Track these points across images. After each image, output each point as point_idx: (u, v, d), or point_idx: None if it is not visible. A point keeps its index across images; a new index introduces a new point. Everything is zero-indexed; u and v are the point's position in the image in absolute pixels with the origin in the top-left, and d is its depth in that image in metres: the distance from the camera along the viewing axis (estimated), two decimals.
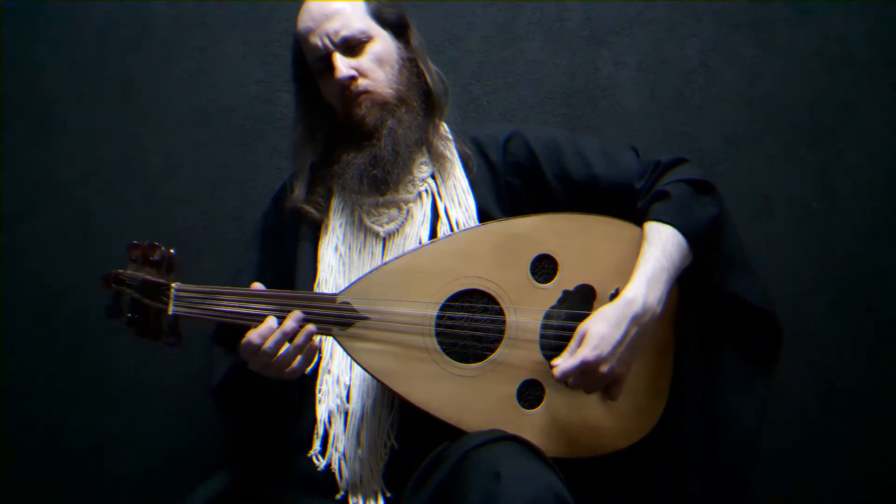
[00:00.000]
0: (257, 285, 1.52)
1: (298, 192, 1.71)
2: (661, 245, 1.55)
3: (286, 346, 1.47)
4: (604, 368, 1.47)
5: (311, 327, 1.48)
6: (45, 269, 2.13)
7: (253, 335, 1.46)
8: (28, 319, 2.13)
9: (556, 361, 1.48)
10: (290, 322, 1.47)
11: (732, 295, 1.62)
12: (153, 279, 1.51)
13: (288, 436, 1.61)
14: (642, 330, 1.50)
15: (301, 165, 1.73)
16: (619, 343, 1.47)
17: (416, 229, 1.65)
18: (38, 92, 2.15)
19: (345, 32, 1.64)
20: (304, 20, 1.67)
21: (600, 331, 1.47)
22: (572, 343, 1.49)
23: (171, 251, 1.53)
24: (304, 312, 1.50)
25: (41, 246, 2.14)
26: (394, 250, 1.64)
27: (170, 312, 1.49)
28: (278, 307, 1.50)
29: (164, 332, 1.51)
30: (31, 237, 2.14)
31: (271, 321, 1.47)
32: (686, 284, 1.61)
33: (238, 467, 1.61)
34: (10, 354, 2.13)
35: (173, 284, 1.50)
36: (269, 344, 1.45)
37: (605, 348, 1.46)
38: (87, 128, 2.16)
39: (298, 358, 1.48)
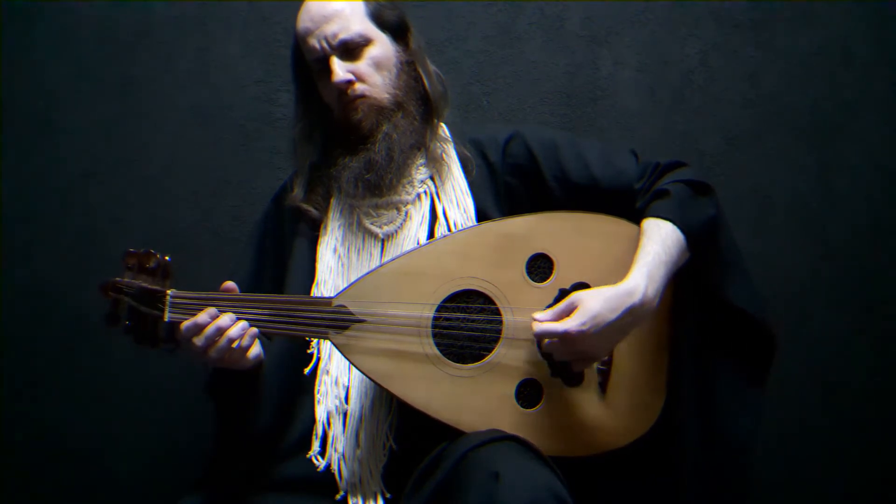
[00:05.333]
0: (229, 284, 1.53)
1: (298, 191, 1.71)
2: (660, 240, 1.54)
3: (224, 337, 1.47)
4: (581, 345, 1.46)
5: (244, 322, 1.49)
6: (44, 270, 2.14)
7: (196, 319, 1.47)
8: (27, 319, 2.13)
9: (538, 315, 1.48)
10: (224, 317, 1.48)
11: (727, 301, 1.62)
12: (149, 287, 1.51)
13: (280, 436, 1.61)
14: (635, 320, 1.50)
15: (301, 164, 1.73)
16: (608, 327, 1.46)
17: (415, 231, 1.65)
18: (38, 92, 2.16)
19: (343, 35, 1.63)
20: (304, 20, 1.66)
21: (593, 308, 1.46)
22: (560, 305, 1.48)
23: (167, 258, 1.53)
24: (300, 316, 1.51)
25: (41, 246, 2.14)
26: (392, 252, 1.64)
27: (166, 319, 1.50)
28: (273, 311, 1.51)
29: (161, 339, 1.52)
30: (31, 237, 2.14)
31: (211, 310, 1.48)
32: (684, 284, 1.61)
33: (215, 480, 1.61)
34: (9, 354, 2.13)
35: (168, 291, 1.50)
36: (208, 330, 1.46)
37: (593, 328, 1.45)
38: (87, 128, 2.16)
39: (234, 344, 1.47)
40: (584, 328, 1.45)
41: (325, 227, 1.69)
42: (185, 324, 1.47)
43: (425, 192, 1.68)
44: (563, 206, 1.66)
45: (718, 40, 2.18)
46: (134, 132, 2.16)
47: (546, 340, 1.48)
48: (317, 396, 1.60)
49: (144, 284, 1.51)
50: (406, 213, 1.66)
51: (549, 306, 1.55)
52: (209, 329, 1.46)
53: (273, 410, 1.60)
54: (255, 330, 1.50)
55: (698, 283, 1.62)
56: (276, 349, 1.62)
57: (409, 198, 1.67)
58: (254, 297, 1.53)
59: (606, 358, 1.57)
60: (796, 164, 2.17)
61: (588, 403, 1.56)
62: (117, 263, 1.55)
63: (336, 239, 1.67)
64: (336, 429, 1.58)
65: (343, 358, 1.57)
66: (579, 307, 1.47)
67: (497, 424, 1.50)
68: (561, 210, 1.63)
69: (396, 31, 1.70)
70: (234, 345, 1.47)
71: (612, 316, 1.47)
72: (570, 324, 1.46)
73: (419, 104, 1.69)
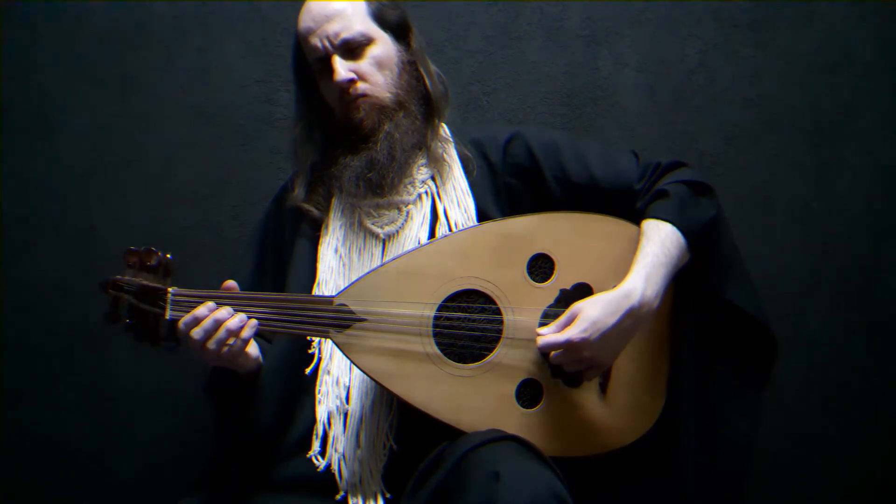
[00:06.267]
0: (230, 283, 1.53)
1: (299, 191, 1.71)
2: (659, 241, 1.55)
3: (222, 328, 1.46)
4: (586, 352, 1.47)
5: (243, 314, 1.48)
6: (45, 270, 2.13)
7: (195, 312, 1.46)
8: (28, 319, 2.13)
9: (541, 331, 1.50)
10: (222, 310, 1.48)
11: (727, 302, 1.62)
12: (150, 284, 1.51)
13: (280, 436, 1.61)
14: (636, 323, 1.50)
15: (302, 164, 1.72)
16: (609, 331, 1.48)
17: (416, 231, 1.65)
18: (38, 92, 2.15)
19: (345, 35, 1.63)
20: (305, 20, 1.66)
21: (592, 315, 1.47)
22: (562, 318, 1.50)
23: (168, 256, 1.53)
24: (302, 314, 1.51)
25: (41, 246, 2.14)
26: (393, 252, 1.64)
27: (167, 317, 1.49)
28: (275, 310, 1.51)
29: (161, 337, 1.51)
30: (31, 237, 2.14)
31: (209, 304, 1.47)
32: (684, 285, 1.61)
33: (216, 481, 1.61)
34: (9, 354, 2.13)
35: (170, 289, 1.50)
36: (207, 322, 1.46)
37: (594, 333, 1.47)
38: (87, 128, 2.16)
39: (231, 340, 1.47)
40: (585, 335, 1.46)
41: (327, 227, 1.69)
42: (184, 318, 1.47)
43: (426, 192, 1.67)
44: (563, 206, 1.66)
45: (718, 40, 2.18)
46: (134, 132, 2.16)
47: (553, 353, 1.49)
48: (317, 396, 1.60)
49: (145, 282, 1.51)
50: (407, 213, 1.66)
51: (550, 306, 1.56)
52: (207, 321, 1.46)
53: (273, 410, 1.60)
54: (254, 321, 1.49)
55: (698, 283, 1.63)
56: (276, 350, 1.62)
57: (411, 198, 1.67)
58: (255, 295, 1.53)
59: None
60: (796, 164, 2.16)
61: (588, 404, 1.56)
62: (118, 263, 1.55)
63: (337, 239, 1.67)
64: (336, 429, 1.58)
65: (344, 358, 1.57)
66: (579, 315, 1.48)
67: (497, 424, 1.50)
68: (562, 210, 1.63)
69: (398, 30, 1.70)
70: (231, 340, 1.47)
71: (612, 320, 1.48)
72: (571, 332, 1.47)
73: (420, 104, 1.69)
